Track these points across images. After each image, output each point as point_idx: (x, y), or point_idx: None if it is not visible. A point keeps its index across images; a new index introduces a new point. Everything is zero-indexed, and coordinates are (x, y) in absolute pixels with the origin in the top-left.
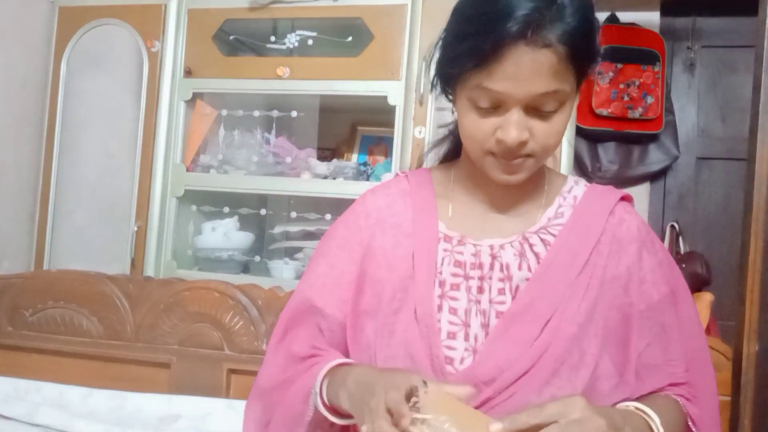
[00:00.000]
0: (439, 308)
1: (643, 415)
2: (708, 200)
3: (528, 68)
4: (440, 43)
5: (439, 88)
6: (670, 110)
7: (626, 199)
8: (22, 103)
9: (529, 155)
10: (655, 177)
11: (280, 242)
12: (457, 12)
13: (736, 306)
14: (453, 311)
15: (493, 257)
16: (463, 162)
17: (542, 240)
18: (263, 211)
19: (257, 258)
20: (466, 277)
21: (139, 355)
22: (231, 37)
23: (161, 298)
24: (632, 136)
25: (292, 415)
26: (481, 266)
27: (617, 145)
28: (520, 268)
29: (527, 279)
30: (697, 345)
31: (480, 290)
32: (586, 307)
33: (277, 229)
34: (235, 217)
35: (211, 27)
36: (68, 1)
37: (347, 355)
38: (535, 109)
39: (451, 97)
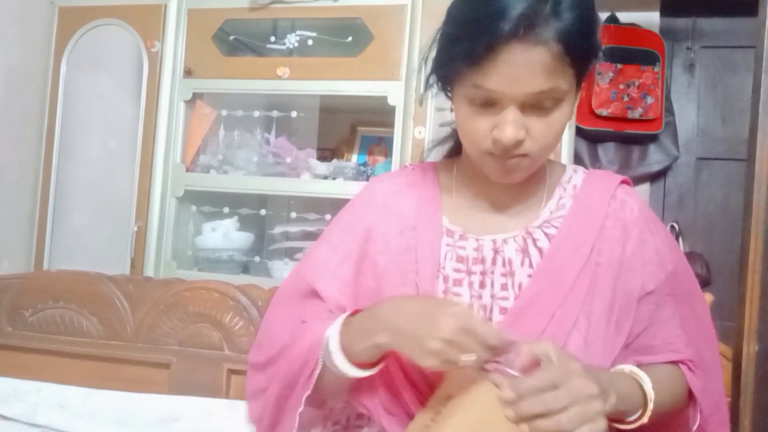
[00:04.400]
0: None
1: (635, 377)
2: (708, 201)
3: (521, 67)
4: (436, 44)
5: (436, 87)
6: (669, 111)
7: (626, 182)
8: (22, 103)
9: (525, 155)
10: (655, 177)
11: (280, 242)
12: (450, 14)
13: (736, 306)
14: None
15: (496, 252)
16: (466, 157)
17: (546, 234)
18: (263, 212)
19: (257, 258)
20: (468, 272)
21: (139, 356)
22: (231, 38)
23: (161, 298)
24: (632, 136)
25: (294, 374)
26: (483, 261)
27: (617, 145)
28: (522, 264)
29: (529, 276)
30: (700, 323)
31: (482, 285)
32: (593, 294)
33: (277, 230)
34: (235, 218)
35: (211, 27)
36: (68, 1)
37: None
38: (532, 108)
39: (449, 94)
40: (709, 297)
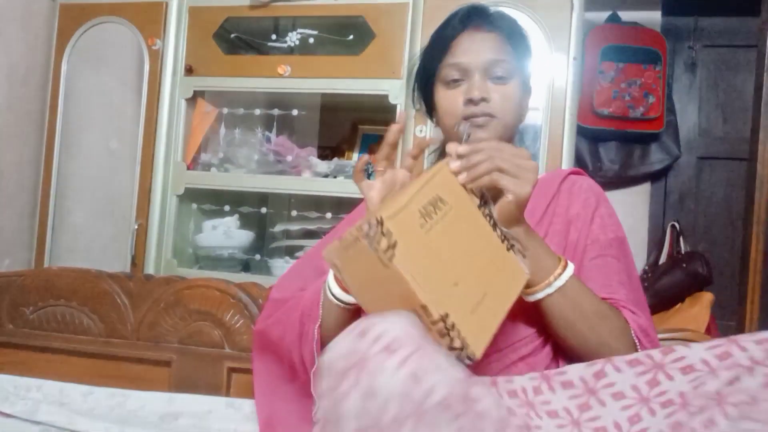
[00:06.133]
0: None
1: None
2: (709, 200)
3: (479, 43)
4: (420, 58)
5: (420, 102)
6: (671, 110)
7: (580, 172)
8: (23, 101)
9: (492, 115)
10: (656, 177)
11: (281, 241)
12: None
13: (737, 306)
14: None
15: None
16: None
17: None
18: (264, 210)
19: (258, 256)
20: None
21: (139, 353)
22: (232, 36)
23: (162, 296)
24: (633, 135)
25: (307, 309)
26: None
27: (618, 144)
28: None
29: None
30: (638, 290)
31: None
32: (549, 244)
33: (278, 228)
34: (236, 216)
35: (212, 25)
36: None
37: None
38: (491, 78)
39: (431, 104)
40: (709, 296)
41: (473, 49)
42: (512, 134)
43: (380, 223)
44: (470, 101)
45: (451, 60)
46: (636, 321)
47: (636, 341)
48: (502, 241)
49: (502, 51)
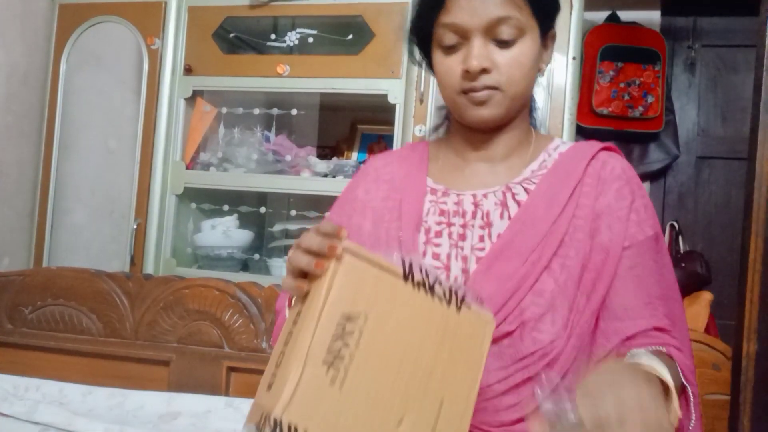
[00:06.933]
0: (423, 254)
1: (650, 370)
2: (708, 200)
3: None
4: (413, 11)
5: (418, 53)
6: (670, 109)
7: (611, 149)
8: (22, 101)
9: (495, 87)
10: (655, 176)
11: (280, 240)
12: None
13: (736, 305)
14: (436, 256)
15: (476, 205)
16: (453, 126)
17: (525, 189)
18: (263, 209)
19: (257, 256)
20: (449, 224)
21: (138, 353)
22: (231, 35)
23: (161, 295)
24: (632, 135)
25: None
26: (463, 214)
27: (617, 144)
28: (501, 216)
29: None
30: (674, 296)
31: (462, 237)
32: (570, 243)
33: (277, 227)
34: (235, 215)
35: (212, 24)
36: None
37: None
38: (495, 40)
39: (430, 61)
40: (708, 296)
41: (472, 5)
42: (522, 105)
43: (277, 425)
44: (467, 73)
45: (446, 19)
46: (683, 361)
47: (685, 383)
48: (449, 303)
49: (512, 4)
